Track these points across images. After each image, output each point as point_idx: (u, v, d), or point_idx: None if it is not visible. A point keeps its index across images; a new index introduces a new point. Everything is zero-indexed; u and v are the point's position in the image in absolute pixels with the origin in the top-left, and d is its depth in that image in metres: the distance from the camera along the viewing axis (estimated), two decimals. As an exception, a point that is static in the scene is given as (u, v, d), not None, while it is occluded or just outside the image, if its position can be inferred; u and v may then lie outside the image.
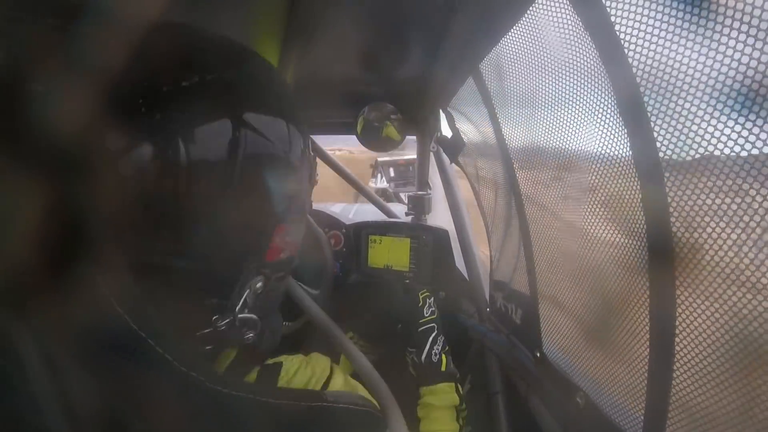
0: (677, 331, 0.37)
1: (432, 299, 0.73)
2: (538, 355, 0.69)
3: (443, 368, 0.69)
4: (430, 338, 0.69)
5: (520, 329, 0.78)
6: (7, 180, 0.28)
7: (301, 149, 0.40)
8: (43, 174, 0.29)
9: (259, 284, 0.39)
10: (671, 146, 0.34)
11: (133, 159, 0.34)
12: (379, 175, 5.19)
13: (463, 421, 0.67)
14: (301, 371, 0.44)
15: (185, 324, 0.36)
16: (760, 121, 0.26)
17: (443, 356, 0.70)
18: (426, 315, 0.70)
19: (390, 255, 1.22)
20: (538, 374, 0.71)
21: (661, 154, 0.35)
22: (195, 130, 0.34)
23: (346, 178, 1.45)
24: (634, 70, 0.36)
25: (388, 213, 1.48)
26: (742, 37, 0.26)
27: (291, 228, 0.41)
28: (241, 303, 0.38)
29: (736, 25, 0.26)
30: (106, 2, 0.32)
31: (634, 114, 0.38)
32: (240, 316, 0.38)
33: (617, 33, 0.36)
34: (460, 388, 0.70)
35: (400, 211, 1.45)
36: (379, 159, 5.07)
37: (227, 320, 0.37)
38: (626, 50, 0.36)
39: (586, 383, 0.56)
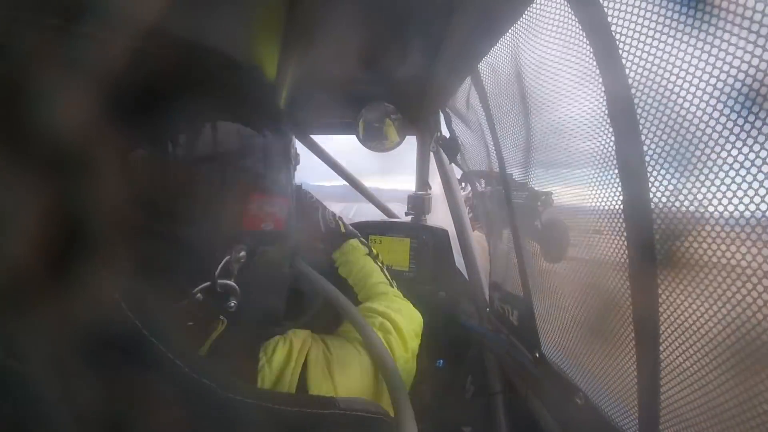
0: (661, 331, 0.37)
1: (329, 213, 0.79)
2: (537, 355, 0.69)
3: (342, 230, 0.76)
4: (319, 214, 0.76)
5: (518, 330, 0.78)
6: (8, 180, 0.28)
7: (277, 140, 0.45)
8: (44, 174, 0.29)
9: (243, 253, 0.40)
10: (658, 149, 0.34)
11: (129, 154, 0.35)
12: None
13: (381, 263, 0.73)
14: (280, 346, 0.45)
15: (168, 298, 0.36)
16: (747, 126, 0.26)
17: (338, 221, 0.77)
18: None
19: (390, 255, 1.22)
20: (537, 375, 0.71)
21: (647, 158, 0.35)
22: (187, 127, 0.37)
23: (345, 177, 1.45)
24: (627, 71, 0.35)
25: (388, 213, 1.49)
26: (734, 40, 0.26)
27: (267, 199, 0.43)
28: (220, 268, 0.38)
29: (728, 27, 0.26)
30: (106, 2, 0.33)
31: (622, 115, 0.38)
32: (219, 281, 0.39)
33: (613, 34, 0.36)
34: (363, 240, 0.76)
35: (400, 211, 1.45)
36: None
37: (204, 285, 0.38)
38: (621, 51, 0.36)
39: (585, 384, 0.56)
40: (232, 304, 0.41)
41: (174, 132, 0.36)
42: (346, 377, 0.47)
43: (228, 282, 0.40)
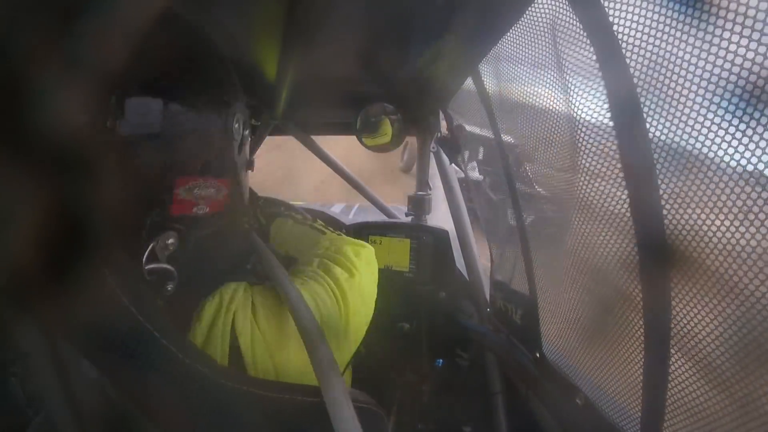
0: (672, 333, 0.37)
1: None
2: (538, 355, 0.69)
3: (263, 221, 0.71)
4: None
5: (520, 330, 0.78)
6: (11, 178, 0.28)
7: (214, 116, 0.41)
8: (46, 172, 0.29)
9: (171, 240, 0.38)
10: (665, 147, 0.34)
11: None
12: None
13: (312, 221, 0.67)
14: (209, 300, 0.42)
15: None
16: (753, 123, 0.26)
17: (259, 218, 0.72)
18: None
19: (390, 255, 1.22)
20: (537, 375, 0.71)
21: (655, 155, 0.35)
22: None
23: (345, 177, 1.45)
24: (631, 70, 0.36)
25: (388, 213, 1.48)
26: (736, 38, 0.26)
27: (200, 182, 0.40)
28: (145, 255, 0.36)
29: (730, 26, 0.26)
30: (106, 2, 0.33)
31: (628, 114, 0.37)
32: (147, 267, 0.36)
33: (615, 33, 0.36)
34: (288, 212, 0.71)
35: (400, 211, 1.45)
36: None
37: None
38: (624, 51, 0.36)
39: (585, 384, 0.56)
40: (169, 288, 0.38)
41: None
42: (275, 325, 0.43)
43: (161, 266, 0.37)
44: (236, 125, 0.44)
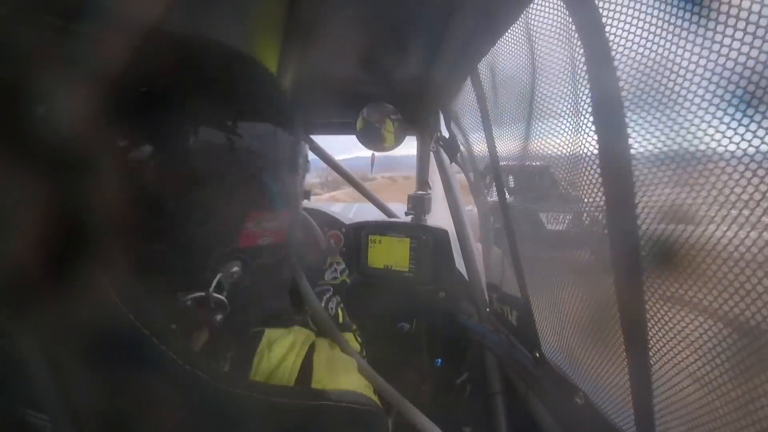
0: (649, 334, 0.37)
1: (342, 267, 0.74)
2: (537, 355, 0.70)
3: (341, 321, 0.74)
4: (325, 298, 0.75)
5: (518, 330, 0.78)
6: (7, 179, 0.28)
7: (284, 146, 0.43)
8: (43, 173, 0.29)
9: (236, 269, 0.40)
10: (642, 149, 0.34)
11: (131, 157, 0.35)
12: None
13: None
14: (283, 337, 0.45)
15: (158, 298, 0.36)
16: (734, 126, 0.26)
17: (339, 311, 0.75)
18: (326, 279, 0.73)
19: (390, 255, 1.22)
20: (537, 374, 0.71)
21: (631, 157, 0.35)
22: (186, 130, 0.36)
23: (345, 177, 1.45)
24: (618, 73, 0.35)
25: (388, 213, 1.49)
26: (728, 41, 0.26)
27: (268, 215, 0.41)
28: (214, 284, 0.38)
29: (721, 29, 0.26)
30: (107, 2, 0.33)
31: (609, 116, 0.37)
32: (213, 295, 0.38)
33: (606, 35, 0.36)
34: (358, 337, 0.74)
35: (400, 211, 1.45)
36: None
37: (198, 295, 0.38)
38: (614, 53, 0.35)
39: (584, 383, 0.56)
40: (218, 318, 0.40)
41: (179, 135, 0.36)
42: (348, 377, 0.47)
43: (219, 296, 0.39)
44: (301, 160, 0.47)
